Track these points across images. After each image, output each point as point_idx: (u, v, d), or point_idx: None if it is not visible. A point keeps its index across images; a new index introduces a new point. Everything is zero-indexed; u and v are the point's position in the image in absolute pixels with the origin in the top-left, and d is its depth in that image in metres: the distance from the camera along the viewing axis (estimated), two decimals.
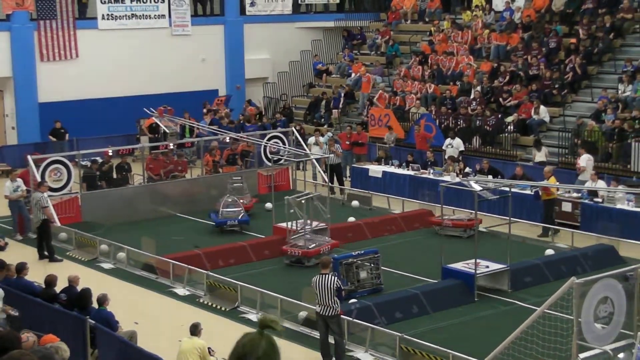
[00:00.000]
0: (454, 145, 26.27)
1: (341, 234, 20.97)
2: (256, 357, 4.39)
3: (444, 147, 26.54)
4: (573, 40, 28.93)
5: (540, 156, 24.81)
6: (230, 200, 22.39)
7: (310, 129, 31.49)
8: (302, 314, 15.64)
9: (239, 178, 24.13)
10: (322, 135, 28.34)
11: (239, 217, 22.06)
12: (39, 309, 14.28)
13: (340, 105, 32.56)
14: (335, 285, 13.70)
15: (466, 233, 20.84)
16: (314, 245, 19.25)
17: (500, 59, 30.43)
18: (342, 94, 32.87)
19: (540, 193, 21.46)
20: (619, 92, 26.30)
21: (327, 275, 13.80)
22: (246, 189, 23.81)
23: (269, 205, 21.64)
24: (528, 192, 22.45)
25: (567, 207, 21.84)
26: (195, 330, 12.80)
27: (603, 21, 28.74)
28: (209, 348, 12.75)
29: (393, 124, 29.01)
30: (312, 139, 27.94)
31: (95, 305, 14.18)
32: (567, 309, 11.70)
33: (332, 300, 13.71)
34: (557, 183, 21.52)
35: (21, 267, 15.43)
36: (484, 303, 16.75)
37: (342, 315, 14.24)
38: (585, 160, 23.07)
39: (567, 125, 26.31)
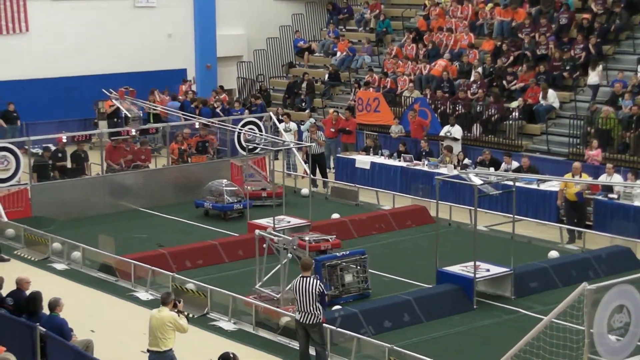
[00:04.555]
0: (452, 133, 26.31)
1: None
2: None
3: (442, 134, 26.54)
4: (586, 15, 28.94)
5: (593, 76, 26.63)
6: (227, 182, 23.56)
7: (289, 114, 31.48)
8: (282, 322, 15.61)
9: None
10: (301, 121, 28.32)
11: (217, 202, 23.16)
12: None
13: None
14: (317, 290, 13.69)
15: None
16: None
17: (505, 37, 30.44)
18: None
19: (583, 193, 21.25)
20: (638, 74, 26.37)
21: (308, 279, 13.79)
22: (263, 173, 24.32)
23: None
24: (534, 186, 22.51)
25: None
26: (167, 299, 12.99)
27: None
28: (175, 300, 13.03)
29: (383, 108, 29.02)
30: (282, 125, 27.89)
31: (46, 311, 14.09)
32: (578, 318, 11.73)
33: (314, 307, 13.70)
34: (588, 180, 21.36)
35: None
36: (484, 311, 16.77)
37: (324, 324, 14.23)
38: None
39: (579, 112, 26.36)
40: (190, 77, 34.89)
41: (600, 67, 26.83)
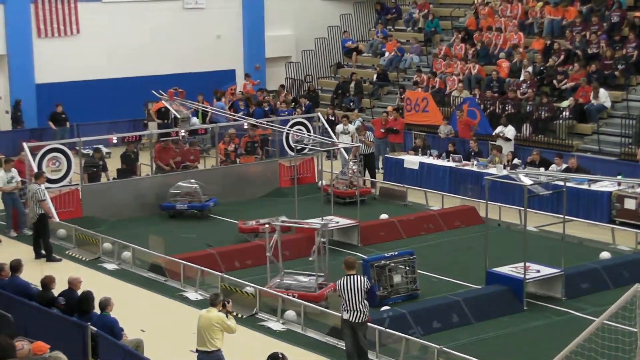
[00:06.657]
0: (504, 133, 26.11)
1: (373, 232, 20.94)
2: None
3: (498, 133, 26.30)
4: (638, 14, 28.67)
5: None
6: (186, 183, 23.59)
7: (340, 114, 31.49)
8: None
9: (354, 161, 23.90)
10: (351, 121, 28.33)
11: (193, 202, 23.33)
12: (35, 314, 14.36)
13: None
14: (365, 287, 13.76)
15: None
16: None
17: (555, 36, 30.22)
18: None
19: None
20: None
21: (354, 277, 13.84)
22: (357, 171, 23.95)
23: None
24: (585, 187, 22.32)
25: (630, 204, 21.68)
26: (215, 300, 13.11)
27: None
28: (224, 301, 13.15)
29: (431, 108, 28.95)
30: (339, 127, 27.90)
31: (97, 310, 14.23)
32: (630, 320, 11.60)
33: (362, 304, 13.76)
34: None
35: (17, 265, 15.56)
36: (534, 312, 16.68)
37: (373, 325, 14.26)
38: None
39: (631, 112, 26.11)
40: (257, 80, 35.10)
41: None
